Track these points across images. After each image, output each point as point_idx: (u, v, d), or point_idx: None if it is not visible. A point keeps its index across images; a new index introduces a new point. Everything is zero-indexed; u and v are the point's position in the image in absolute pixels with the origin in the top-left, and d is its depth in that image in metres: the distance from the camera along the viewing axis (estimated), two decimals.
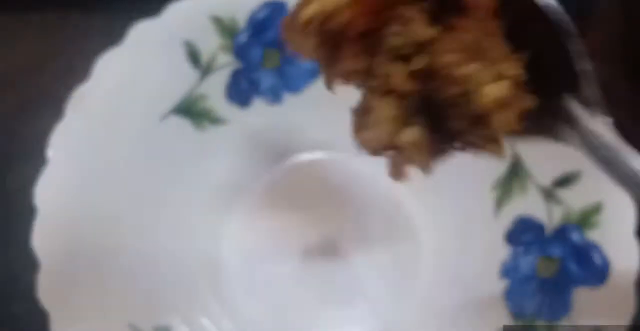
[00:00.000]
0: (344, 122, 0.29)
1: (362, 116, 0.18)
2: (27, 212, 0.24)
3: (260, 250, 0.29)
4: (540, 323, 0.24)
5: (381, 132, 0.18)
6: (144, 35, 0.25)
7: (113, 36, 0.25)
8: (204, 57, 0.27)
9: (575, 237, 0.25)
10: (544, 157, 0.26)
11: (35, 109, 0.30)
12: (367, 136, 0.18)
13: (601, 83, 0.25)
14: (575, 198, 0.25)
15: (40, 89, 0.31)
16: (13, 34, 0.32)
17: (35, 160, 0.29)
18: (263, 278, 0.29)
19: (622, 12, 0.26)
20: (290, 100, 0.29)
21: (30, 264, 0.24)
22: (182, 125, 0.28)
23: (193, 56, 0.26)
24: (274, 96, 0.29)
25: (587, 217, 0.25)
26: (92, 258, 0.25)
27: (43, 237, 0.24)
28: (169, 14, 0.25)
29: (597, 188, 0.25)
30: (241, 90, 0.28)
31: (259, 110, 0.29)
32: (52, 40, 0.32)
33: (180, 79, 0.27)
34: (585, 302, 0.24)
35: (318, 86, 0.29)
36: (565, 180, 0.26)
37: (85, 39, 0.31)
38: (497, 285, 0.26)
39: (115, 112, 0.25)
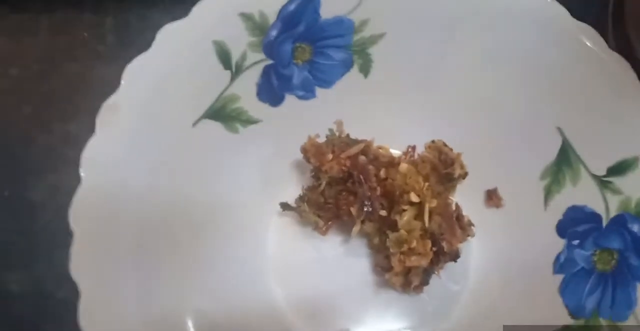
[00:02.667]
0: (378, 115, 0.29)
1: None
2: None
3: (302, 250, 0.28)
4: (604, 322, 0.24)
5: None
6: (172, 39, 0.23)
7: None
8: (234, 56, 0.25)
9: (635, 227, 0.24)
10: (596, 143, 0.25)
11: (53, 116, 0.30)
12: None
13: None
14: (633, 187, 0.24)
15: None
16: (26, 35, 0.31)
17: (55, 168, 0.29)
18: (304, 279, 0.28)
19: None
20: (323, 95, 0.28)
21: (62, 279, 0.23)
22: (214, 129, 0.26)
23: (223, 57, 0.25)
24: (307, 91, 0.28)
25: None
26: (135, 282, 0.24)
27: (81, 263, 0.22)
28: (197, 14, 0.24)
29: None
30: (272, 88, 0.27)
31: (292, 107, 0.28)
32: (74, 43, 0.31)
33: (211, 81, 0.25)
34: None
35: (350, 80, 0.28)
36: (620, 168, 0.24)
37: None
38: (552, 281, 0.26)
39: (146, 122, 0.24)
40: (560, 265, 0.26)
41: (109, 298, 0.22)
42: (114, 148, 0.23)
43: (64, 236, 0.23)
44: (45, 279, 0.28)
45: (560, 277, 0.26)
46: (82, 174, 0.22)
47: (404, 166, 0.26)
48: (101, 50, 0.32)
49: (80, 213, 0.22)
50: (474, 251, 0.28)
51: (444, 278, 0.27)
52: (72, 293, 0.26)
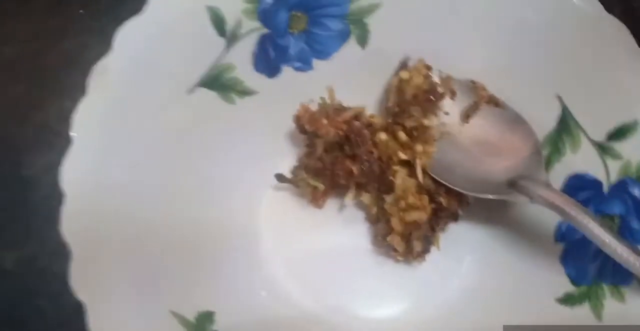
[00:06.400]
0: (375, 88, 0.28)
1: None
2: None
3: (298, 224, 0.28)
4: (606, 287, 0.23)
5: None
6: (165, 2, 0.23)
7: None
8: (229, 23, 0.25)
9: (636, 191, 0.23)
10: (595, 109, 0.25)
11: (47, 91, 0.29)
12: None
13: None
14: (633, 151, 0.24)
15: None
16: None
17: (50, 145, 0.29)
18: (302, 252, 0.28)
19: None
20: (320, 67, 0.28)
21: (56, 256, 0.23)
22: (210, 98, 0.26)
23: (217, 22, 0.25)
24: (303, 63, 0.28)
25: None
26: (124, 241, 0.24)
27: (72, 222, 0.22)
28: None
29: None
30: (269, 59, 0.27)
31: (288, 79, 0.28)
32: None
33: (206, 48, 0.25)
34: None
35: (348, 51, 0.28)
36: (620, 132, 0.24)
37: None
38: (553, 250, 0.25)
39: (139, 86, 0.24)
40: (562, 234, 0.25)
41: (101, 258, 0.22)
42: (106, 111, 0.23)
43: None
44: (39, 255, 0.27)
45: (561, 246, 0.25)
46: (73, 135, 0.22)
47: (382, 134, 0.26)
48: (96, 27, 0.31)
49: (72, 177, 0.22)
50: (476, 222, 0.28)
51: (444, 249, 0.27)
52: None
